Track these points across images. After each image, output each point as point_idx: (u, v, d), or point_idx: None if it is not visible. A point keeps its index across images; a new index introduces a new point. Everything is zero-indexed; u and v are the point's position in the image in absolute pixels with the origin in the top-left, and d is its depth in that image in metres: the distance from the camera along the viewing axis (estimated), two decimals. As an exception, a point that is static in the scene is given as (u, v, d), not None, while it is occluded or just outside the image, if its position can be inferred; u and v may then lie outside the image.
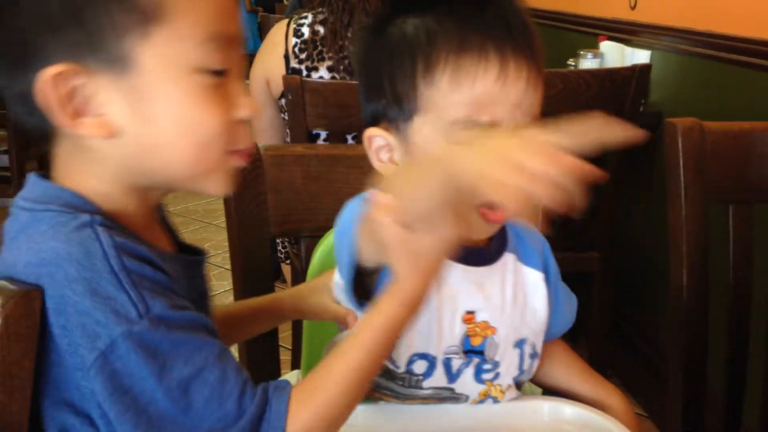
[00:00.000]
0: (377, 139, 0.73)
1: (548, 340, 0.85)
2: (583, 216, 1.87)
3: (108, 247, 0.55)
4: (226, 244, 1.04)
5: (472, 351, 0.75)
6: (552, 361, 0.87)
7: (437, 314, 0.73)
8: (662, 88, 2.05)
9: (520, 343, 0.78)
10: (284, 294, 0.88)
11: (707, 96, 1.85)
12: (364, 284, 0.69)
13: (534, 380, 0.89)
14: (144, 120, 0.59)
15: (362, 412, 0.76)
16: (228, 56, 0.61)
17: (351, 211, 0.69)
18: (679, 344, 1.00)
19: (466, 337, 0.75)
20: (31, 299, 0.53)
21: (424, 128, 0.69)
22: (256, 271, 1.02)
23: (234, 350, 1.71)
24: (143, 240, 0.61)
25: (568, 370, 0.87)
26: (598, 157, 1.53)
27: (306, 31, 1.70)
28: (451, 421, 0.76)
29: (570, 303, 0.87)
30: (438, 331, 0.73)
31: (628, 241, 2.19)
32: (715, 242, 0.99)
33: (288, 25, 1.74)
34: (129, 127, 0.59)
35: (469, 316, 0.75)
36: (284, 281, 2.42)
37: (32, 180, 0.64)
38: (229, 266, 1.05)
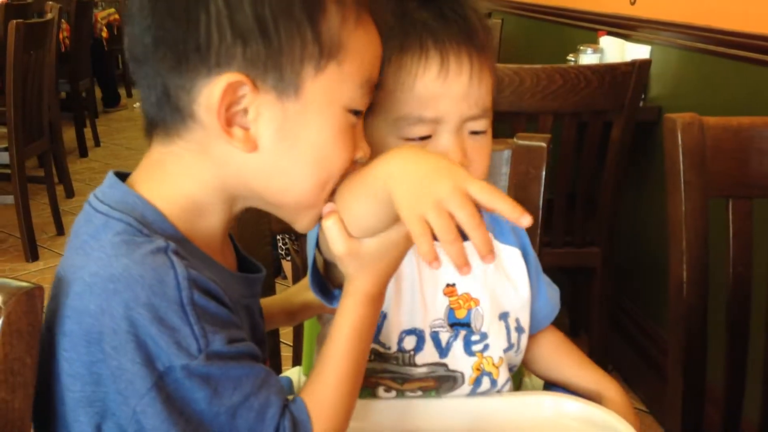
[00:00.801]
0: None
1: (540, 328, 0.87)
2: (584, 211, 1.86)
3: (182, 278, 0.56)
4: (227, 240, 1.04)
5: (458, 324, 0.78)
6: (550, 351, 0.88)
7: (419, 289, 0.76)
8: (662, 83, 2.05)
9: (503, 316, 0.81)
10: (271, 300, 0.89)
11: (707, 91, 1.85)
12: (328, 276, 0.71)
13: (532, 370, 0.90)
14: (286, 143, 0.60)
15: (365, 408, 0.76)
16: (368, 101, 0.64)
17: None
18: (679, 339, 1.01)
19: (450, 310, 0.78)
20: (33, 296, 0.53)
21: (376, 127, 0.71)
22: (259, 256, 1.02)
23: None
24: (212, 261, 0.63)
25: (566, 361, 0.88)
26: (600, 153, 1.55)
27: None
28: (453, 415, 0.76)
29: (553, 291, 0.89)
30: (422, 306, 0.76)
31: (628, 236, 2.19)
32: (715, 237, 0.99)
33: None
34: (269, 146, 0.60)
35: (451, 289, 0.78)
36: (285, 278, 2.43)
37: (111, 180, 0.63)
38: (229, 263, 1.05)
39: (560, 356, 0.88)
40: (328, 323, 0.80)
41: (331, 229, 0.61)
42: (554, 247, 1.96)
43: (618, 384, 0.86)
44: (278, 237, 2.31)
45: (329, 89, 0.60)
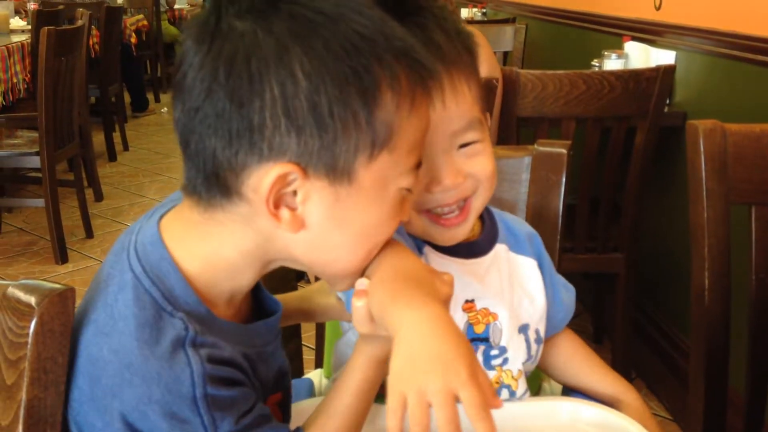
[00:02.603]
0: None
1: (556, 332, 0.88)
2: (607, 216, 1.86)
3: (197, 376, 0.57)
4: (251, 244, 1.05)
5: (477, 339, 0.79)
6: (568, 356, 0.88)
7: None
8: (687, 89, 2.04)
9: (523, 329, 0.81)
10: (290, 296, 0.90)
11: (733, 96, 1.84)
12: None
13: (549, 375, 0.90)
14: (336, 224, 0.60)
15: (377, 412, 0.77)
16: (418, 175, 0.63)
17: None
18: (701, 345, 1.00)
19: (469, 326, 0.78)
20: (65, 298, 0.55)
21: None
22: (279, 270, 1.03)
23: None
24: (231, 326, 0.63)
25: (584, 366, 0.88)
26: (623, 158, 1.55)
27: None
28: (464, 420, 0.77)
29: (568, 293, 0.89)
30: None
31: (652, 242, 2.18)
32: (737, 244, 0.99)
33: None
34: (318, 225, 0.60)
35: (469, 305, 0.78)
36: (308, 281, 2.44)
37: (154, 236, 0.62)
38: (253, 266, 1.07)
39: (578, 361, 0.89)
40: (351, 330, 0.82)
41: (359, 310, 0.61)
42: (577, 253, 1.95)
43: (635, 389, 0.86)
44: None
45: (382, 175, 0.59)
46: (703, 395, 1.00)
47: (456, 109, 0.71)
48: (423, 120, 0.62)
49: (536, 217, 1.01)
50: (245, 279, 0.64)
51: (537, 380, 0.93)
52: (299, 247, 0.61)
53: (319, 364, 1.09)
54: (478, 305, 0.79)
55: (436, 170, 0.72)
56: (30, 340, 0.54)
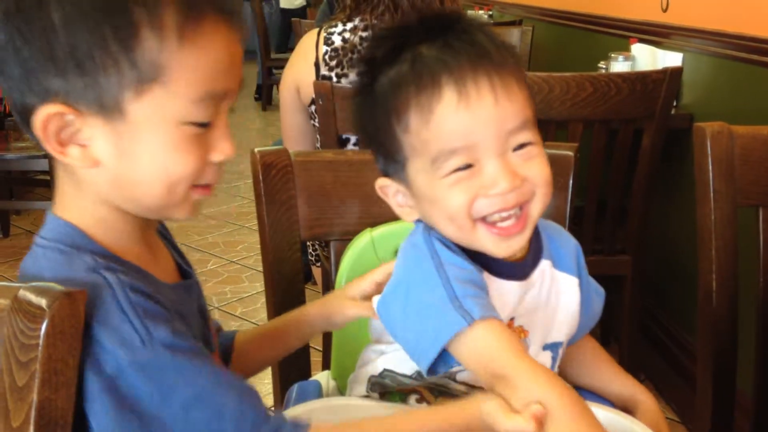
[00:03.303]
0: (389, 188, 0.77)
1: (579, 338, 0.87)
2: (614, 219, 1.85)
3: (116, 284, 0.61)
4: (259, 246, 1.06)
5: None
6: (585, 357, 0.88)
7: None
8: (694, 91, 2.03)
9: (553, 347, 0.80)
10: (310, 306, 0.91)
11: (740, 98, 1.83)
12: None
13: (564, 378, 0.90)
14: (124, 158, 0.64)
15: (385, 413, 0.78)
16: (216, 110, 0.67)
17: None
18: (709, 347, 1.00)
19: None
20: (75, 300, 0.56)
21: (417, 173, 0.72)
22: (287, 274, 1.04)
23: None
24: (145, 273, 0.67)
25: (601, 367, 0.88)
26: (630, 160, 1.55)
27: (337, 39, 1.73)
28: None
29: (598, 298, 0.87)
30: None
31: (659, 244, 2.18)
32: (745, 246, 0.99)
33: (318, 33, 1.76)
34: (109, 162, 0.65)
35: (510, 323, 0.77)
36: (315, 283, 2.45)
37: (48, 216, 0.69)
38: (261, 268, 1.07)
39: (595, 362, 0.88)
40: (382, 332, 0.82)
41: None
42: (584, 255, 1.95)
43: (649, 391, 0.86)
44: (308, 243, 2.34)
45: (155, 110, 0.63)
46: (711, 397, 1.00)
47: (510, 105, 0.69)
48: (206, 51, 0.64)
49: (543, 220, 1.01)
50: (127, 231, 0.69)
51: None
52: (105, 185, 0.66)
53: (326, 365, 1.10)
54: (516, 323, 0.77)
55: (494, 172, 0.69)
56: (41, 342, 0.55)
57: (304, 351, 1.08)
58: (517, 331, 0.77)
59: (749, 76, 1.78)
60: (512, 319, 0.77)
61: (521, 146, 0.71)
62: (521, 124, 0.70)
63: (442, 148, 0.69)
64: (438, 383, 0.78)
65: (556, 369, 0.82)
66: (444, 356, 0.69)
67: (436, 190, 0.71)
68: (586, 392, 0.87)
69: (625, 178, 1.94)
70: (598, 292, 0.88)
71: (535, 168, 0.71)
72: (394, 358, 0.80)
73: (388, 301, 0.75)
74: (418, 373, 0.78)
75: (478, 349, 0.67)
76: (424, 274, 0.71)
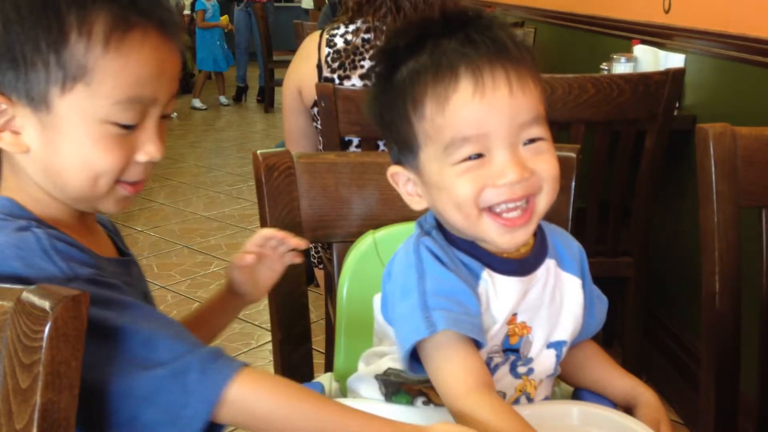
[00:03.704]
0: (400, 175, 0.79)
1: (581, 341, 0.87)
2: (617, 220, 1.85)
3: (41, 235, 0.67)
4: (261, 249, 1.06)
5: (509, 349, 0.78)
6: (581, 358, 0.89)
7: (494, 323, 0.76)
8: (697, 92, 2.03)
9: (557, 345, 0.81)
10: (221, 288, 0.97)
11: (743, 99, 1.83)
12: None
13: (565, 379, 0.90)
14: (50, 148, 0.71)
15: (398, 413, 0.78)
16: (142, 114, 0.72)
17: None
18: (712, 349, 1.00)
19: (506, 337, 0.78)
20: (79, 302, 0.56)
21: (429, 161, 0.74)
22: (289, 276, 1.04)
23: (270, 356, 1.73)
24: (78, 243, 0.71)
25: (602, 367, 0.88)
26: (633, 162, 1.54)
27: (339, 41, 1.73)
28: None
29: (601, 305, 0.88)
30: (490, 336, 0.76)
31: (662, 245, 2.17)
32: (748, 247, 0.99)
33: (321, 36, 1.76)
34: (37, 150, 0.71)
35: (512, 318, 0.78)
36: (317, 285, 2.45)
37: None
38: (264, 271, 1.07)
39: (594, 361, 0.89)
40: (383, 335, 0.83)
41: None
42: (587, 257, 1.95)
43: (650, 388, 0.86)
44: (311, 246, 2.34)
45: (80, 107, 0.69)
46: (714, 399, 1.00)
47: (523, 99, 0.71)
48: (134, 58, 0.69)
49: (549, 223, 1.01)
50: (63, 212, 0.74)
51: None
52: (36, 171, 0.72)
53: (328, 367, 1.10)
54: (519, 319, 0.78)
55: (503, 163, 0.71)
56: (44, 344, 0.55)
57: (307, 354, 1.08)
58: (519, 326, 0.78)
59: (752, 77, 1.77)
60: (515, 314, 0.77)
61: (532, 141, 0.72)
62: (533, 119, 0.72)
63: (454, 135, 0.71)
64: None
65: (558, 369, 0.83)
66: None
67: (446, 178, 0.72)
68: (587, 392, 0.88)
69: (627, 180, 1.94)
70: (601, 300, 0.88)
71: (544, 163, 0.72)
72: (397, 360, 0.81)
73: (385, 302, 0.79)
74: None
75: (433, 358, 0.71)
76: (406, 282, 0.74)
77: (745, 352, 1.00)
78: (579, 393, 0.89)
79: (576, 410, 0.79)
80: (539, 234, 0.81)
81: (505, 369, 0.79)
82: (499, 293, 0.75)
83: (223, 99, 6.99)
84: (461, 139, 0.71)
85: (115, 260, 0.79)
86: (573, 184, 1.01)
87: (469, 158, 0.71)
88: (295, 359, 1.04)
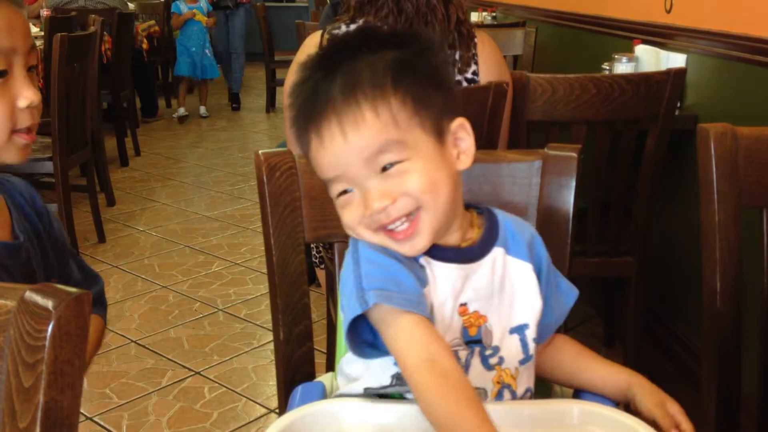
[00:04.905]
0: None
1: (549, 333, 0.89)
2: (618, 220, 1.85)
3: None
4: (263, 248, 1.06)
5: (471, 341, 0.81)
6: (567, 359, 0.90)
7: (439, 311, 0.79)
8: (698, 92, 2.03)
9: (519, 329, 0.83)
10: None
11: (744, 99, 1.83)
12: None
13: (555, 379, 0.91)
14: None
15: (394, 412, 0.78)
16: (9, 62, 0.84)
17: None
18: (713, 349, 1.00)
19: (464, 329, 0.80)
20: (81, 302, 0.56)
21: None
22: (291, 276, 1.04)
23: (272, 355, 1.73)
24: None
25: (585, 364, 0.89)
26: (634, 162, 1.54)
27: (340, 39, 1.73)
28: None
29: (566, 298, 0.89)
30: (442, 327, 0.79)
31: (663, 245, 2.17)
32: (749, 247, 0.99)
33: (322, 36, 1.76)
34: None
35: (463, 308, 0.80)
36: (319, 285, 2.46)
37: None
38: (265, 270, 1.08)
39: (581, 360, 0.90)
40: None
41: None
42: (588, 257, 1.95)
43: (642, 375, 0.87)
44: (312, 246, 2.34)
45: None
46: (716, 399, 1.00)
47: (359, 138, 0.76)
48: None
49: (547, 221, 1.01)
50: None
51: (549, 383, 0.93)
52: None
53: (330, 367, 1.10)
54: (471, 308, 0.81)
55: (365, 195, 0.77)
56: (47, 343, 0.55)
57: (309, 353, 1.08)
58: (474, 316, 0.80)
59: (753, 77, 1.77)
60: (464, 304, 0.80)
61: (385, 168, 0.76)
62: (377, 150, 0.76)
63: (323, 177, 0.80)
64: None
65: (530, 353, 0.83)
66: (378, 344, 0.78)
67: (336, 208, 0.81)
68: (584, 392, 0.88)
69: (629, 180, 1.94)
70: (569, 293, 0.90)
71: (408, 182, 0.76)
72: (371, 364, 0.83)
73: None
74: (397, 378, 0.80)
75: (385, 338, 0.76)
76: (345, 273, 0.80)
77: (747, 352, 1.00)
78: (579, 392, 0.89)
79: (576, 409, 0.79)
80: (489, 224, 0.85)
81: (476, 362, 0.80)
82: (438, 278, 0.79)
83: (202, 110, 6.26)
84: (328, 180, 0.79)
85: (3, 244, 0.87)
86: (574, 184, 1.01)
87: (343, 193, 0.79)
88: (297, 359, 1.04)
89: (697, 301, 1.04)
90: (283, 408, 1.03)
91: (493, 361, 0.81)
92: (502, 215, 0.87)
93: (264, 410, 2.07)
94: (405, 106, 0.76)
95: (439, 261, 0.80)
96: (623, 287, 2.05)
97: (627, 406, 0.85)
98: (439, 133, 0.79)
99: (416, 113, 0.77)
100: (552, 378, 0.92)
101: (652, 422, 0.78)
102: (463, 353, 0.80)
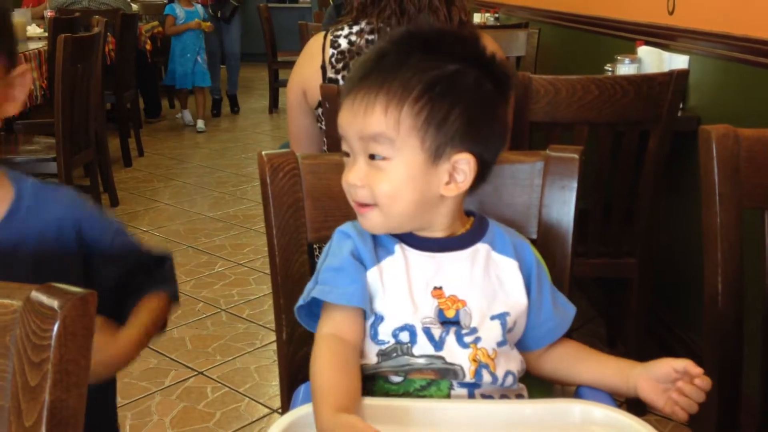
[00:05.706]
0: None
1: (546, 343, 0.91)
2: (621, 221, 1.85)
3: None
4: (266, 249, 1.07)
5: (448, 322, 0.84)
6: (569, 358, 0.91)
7: (408, 289, 0.84)
8: (701, 93, 2.03)
9: (500, 316, 0.86)
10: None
11: (747, 101, 1.83)
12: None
13: (556, 379, 0.92)
14: None
15: (395, 411, 0.78)
16: None
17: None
18: (714, 349, 1.01)
19: (440, 310, 0.84)
20: (86, 301, 0.57)
21: None
22: (294, 276, 1.05)
23: (274, 355, 1.73)
24: None
25: (587, 361, 0.90)
26: (636, 163, 1.54)
27: (343, 42, 1.73)
28: (481, 420, 0.78)
29: (562, 311, 0.92)
30: (411, 305, 0.84)
31: (665, 246, 2.17)
32: (751, 249, 0.99)
33: (325, 36, 1.77)
34: None
35: (438, 292, 0.85)
36: (322, 286, 2.46)
37: None
38: (268, 271, 1.08)
39: (583, 357, 0.91)
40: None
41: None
42: (590, 258, 1.95)
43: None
44: (315, 246, 2.35)
45: None
46: (717, 400, 1.00)
47: (371, 118, 0.82)
48: None
49: (549, 222, 1.02)
50: None
51: (548, 382, 0.94)
52: None
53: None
54: (447, 292, 0.85)
55: (352, 166, 0.84)
56: (53, 342, 0.56)
57: (307, 356, 1.09)
58: (451, 300, 0.85)
59: (756, 78, 1.78)
60: (440, 288, 0.85)
61: (373, 156, 0.82)
62: (373, 136, 0.82)
63: (338, 131, 0.86)
64: (399, 363, 0.83)
65: (507, 339, 0.86)
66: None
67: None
68: (588, 390, 0.88)
69: (631, 181, 1.94)
70: (568, 305, 0.92)
71: (378, 181, 0.82)
72: None
73: None
74: (381, 355, 0.84)
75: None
76: (321, 256, 0.90)
77: (748, 353, 1.00)
78: (580, 391, 0.89)
79: (578, 408, 0.80)
80: (477, 225, 0.90)
81: (451, 340, 0.84)
82: (411, 264, 0.85)
83: (200, 124, 5.83)
84: (340, 136, 0.86)
85: None
86: (576, 185, 1.01)
87: (346, 154, 0.86)
88: (300, 359, 1.05)
89: (698, 302, 1.04)
90: (285, 408, 1.04)
91: (468, 339, 0.84)
92: (494, 223, 0.91)
93: (267, 410, 2.08)
94: (415, 118, 0.81)
95: (412, 248, 0.87)
96: (625, 288, 2.05)
97: (628, 405, 0.85)
98: (437, 156, 0.82)
99: (423, 128, 0.81)
100: (554, 378, 0.92)
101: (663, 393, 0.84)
102: (437, 331, 0.83)
